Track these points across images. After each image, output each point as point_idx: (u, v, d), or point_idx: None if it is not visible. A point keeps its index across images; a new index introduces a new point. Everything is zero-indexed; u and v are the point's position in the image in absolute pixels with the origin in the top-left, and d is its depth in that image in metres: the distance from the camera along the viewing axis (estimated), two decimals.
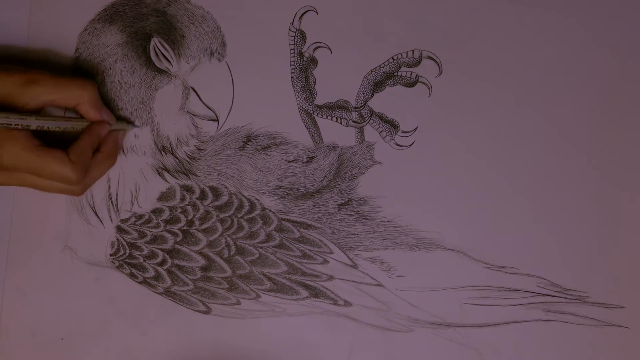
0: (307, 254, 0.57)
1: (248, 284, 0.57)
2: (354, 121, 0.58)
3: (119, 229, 0.58)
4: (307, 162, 0.58)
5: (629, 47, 0.58)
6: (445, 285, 0.57)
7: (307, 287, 0.57)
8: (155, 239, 0.58)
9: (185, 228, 0.58)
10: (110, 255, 0.58)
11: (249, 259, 0.57)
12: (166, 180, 0.58)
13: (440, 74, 0.58)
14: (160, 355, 0.58)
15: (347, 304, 0.57)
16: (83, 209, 0.58)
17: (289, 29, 0.58)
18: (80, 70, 0.58)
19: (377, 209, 0.58)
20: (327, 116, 0.58)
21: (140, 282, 0.58)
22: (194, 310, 0.58)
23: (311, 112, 0.58)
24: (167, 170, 0.58)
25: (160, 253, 0.58)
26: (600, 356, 0.57)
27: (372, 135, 0.58)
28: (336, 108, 0.58)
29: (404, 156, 0.58)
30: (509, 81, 0.58)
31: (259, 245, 0.57)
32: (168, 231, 0.58)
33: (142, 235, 0.58)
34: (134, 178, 0.58)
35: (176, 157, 0.58)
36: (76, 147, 0.52)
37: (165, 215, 0.58)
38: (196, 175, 0.58)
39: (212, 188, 0.58)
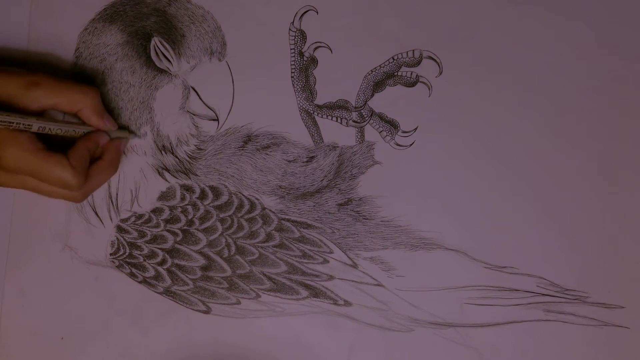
0: (307, 254, 0.57)
1: (248, 283, 0.57)
2: (354, 121, 0.58)
3: (119, 229, 0.58)
4: (307, 161, 0.58)
5: (629, 47, 0.58)
6: (445, 285, 0.57)
7: (307, 286, 0.57)
8: (155, 239, 0.58)
9: (185, 227, 0.58)
10: (110, 254, 0.58)
11: (249, 258, 0.57)
12: (166, 180, 0.58)
13: (440, 74, 0.58)
14: (160, 355, 0.58)
15: (347, 303, 0.57)
16: (83, 209, 0.58)
17: (289, 29, 0.58)
18: (81, 71, 0.58)
19: (377, 208, 0.58)
20: (327, 116, 0.58)
21: (140, 282, 0.58)
22: (193, 309, 0.58)
23: (311, 111, 0.58)
24: (167, 170, 0.58)
25: (160, 252, 0.58)
26: (600, 356, 0.57)
27: (372, 135, 0.58)
28: (336, 108, 0.58)
29: (404, 156, 0.58)
30: (509, 81, 0.58)
31: (259, 244, 0.57)
32: (168, 231, 0.58)
33: (142, 234, 0.58)
34: (134, 177, 0.58)
35: (176, 157, 0.58)
36: (75, 152, 0.52)
37: (166, 214, 0.58)
38: (196, 175, 0.58)
39: (212, 188, 0.58)
